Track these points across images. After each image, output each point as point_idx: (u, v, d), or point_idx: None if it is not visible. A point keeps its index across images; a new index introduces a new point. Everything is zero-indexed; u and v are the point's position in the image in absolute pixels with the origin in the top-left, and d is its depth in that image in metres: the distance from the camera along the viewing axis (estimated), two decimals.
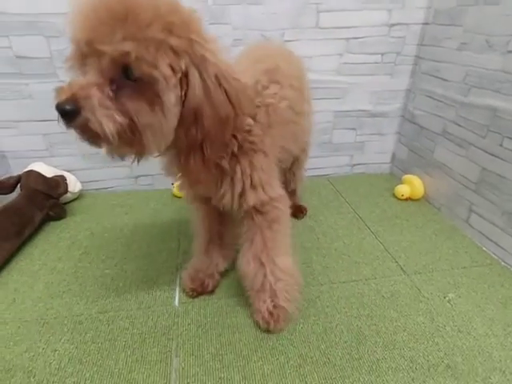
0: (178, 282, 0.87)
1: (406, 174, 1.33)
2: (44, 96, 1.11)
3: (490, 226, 0.98)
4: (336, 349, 0.70)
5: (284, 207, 0.73)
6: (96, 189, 1.30)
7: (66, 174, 1.19)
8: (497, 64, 0.91)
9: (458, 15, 1.04)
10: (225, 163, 0.63)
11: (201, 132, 0.52)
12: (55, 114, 1.28)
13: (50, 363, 0.66)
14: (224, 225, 0.82)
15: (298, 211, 1.14)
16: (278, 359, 0.68)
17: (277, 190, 0.72)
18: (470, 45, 1.00)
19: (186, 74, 0.48)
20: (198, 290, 0.81)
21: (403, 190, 1.25)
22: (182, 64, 0.47)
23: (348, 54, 1.21)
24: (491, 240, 0.98)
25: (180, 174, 0.64)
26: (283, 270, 0.73)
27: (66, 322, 0.76)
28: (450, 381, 0.64)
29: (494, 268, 0.93)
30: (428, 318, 0.78)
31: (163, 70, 0.45)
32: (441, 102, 1.14)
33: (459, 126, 1.06)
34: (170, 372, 0.65)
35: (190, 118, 0.50)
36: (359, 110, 1.33)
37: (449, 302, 0.82)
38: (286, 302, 0.72)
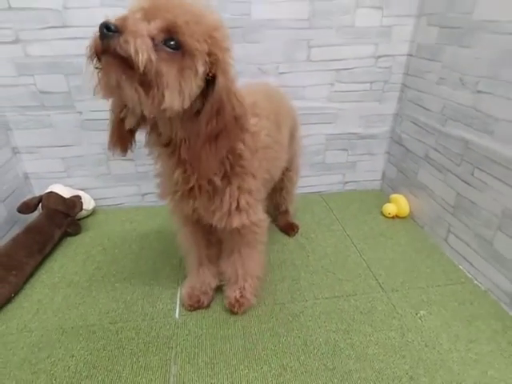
0: (178, 296, 0.98)
1: (395, 191, 1.42)
2: (63, 125, 1.24)
3: (465, 246, 1.07)
4: (313, 360, 0.80)
5: (261, 231, 0.86)
6: (108, 205, 1.42)
7: (81, 193, 1.32)
8: (468, 101, 1.00)
9: (438, 52, 1.12)
10: (217, 180, 0.71)
11: (220, 124, 0.61)
12: (73, 140, 1.43)
13: (69, 367, 0.78)
14: (210, 248, 0.94)
15: (290, 229, 1.25)
16: (262, 368, 0.78)
17: (259, 214, 0.83)
18: (447, 80, 1.09)
19: (213, 74, 0.58)
20: (195, 306, 0.93)
21: (390, 208, 1.34)
22: (214, 60, 0.57)
23: (338, 83, 1.31)
24: (466, 259, 1.07)
25: (180, 179, 0.71)
26: (252, 276, 0.92)
27: (81, 331, 0.88)
28: None
29: (467, 286, 1.02)
30: (399, 333, 0.87)
31: (202, 49, 0.55)
32: (423, 128, 1.23)
33: (438, 152, 1.15)
34: (169, 378, 0.76)
35: (213, 109, 0.59)
36: (350, 133, 1.42)
37: (420, 318, 0.91)
38: (250, 295, 0.92)
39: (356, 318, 0.91)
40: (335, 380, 0.76)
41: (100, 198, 1.40)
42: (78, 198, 1.27)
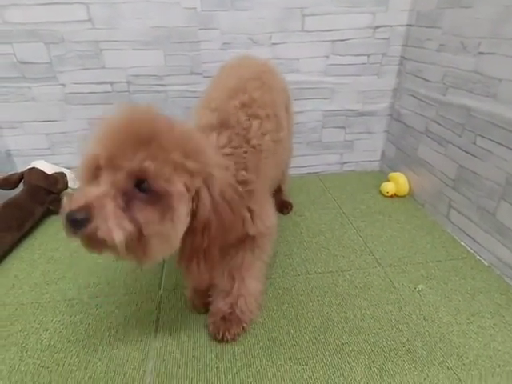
0: (163, 271, 0.93)
1: (394, 171, 1.36)
2: (46, 98, 1.19)
3: (467, 221, 1.01)
4: (304, 333, 0.75)
5: (271, 236, 0.76)
6: None
7: (67, 171, 1.26)
8: (470, 65, 0.95)
9: (438, 18, 1.07)
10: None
11: (207, 239, 0.56)
12: (56, 116, 1.36)
13: (42, 341, 0.73)
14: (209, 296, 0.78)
15: (283, 207, 1.20)
16: (248, 341, 0.73)
17: (272, 218, 0.74)
18: (448, 46, 1.03)
19: (197, 191, 0.53)
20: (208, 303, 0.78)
21: (388, 187, 1.29)
22: (196, 183, 0.52)
23: (334, 55, 1.26)
24: (468, 235, 1.01)
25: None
26: (249, 291, 0.75)
27: (58, 305, 0.83)
28: (408, 364, 0.68)
29: (468, 261, 0.96)
30: (396, 307, 0.82)
31: (178, 186, 0.50)
32: (423, 101, 1.17)
33: (439, 124, 1.10)
34: (149, 351, 0.71)
35: (199, 228, 0.55)
36: (347, 110, 1.37)
37: (418, 292, 0.86)
38: (243, 316, 0.74)
39: (351, 293, 0.86)
40: (327, 353, 0.70)
41: None
42: (62, 175, 1.22)
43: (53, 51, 1.12)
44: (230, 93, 0.71)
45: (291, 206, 1.21)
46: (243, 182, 0.65)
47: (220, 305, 0.74)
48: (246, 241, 0.72)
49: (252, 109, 0.70)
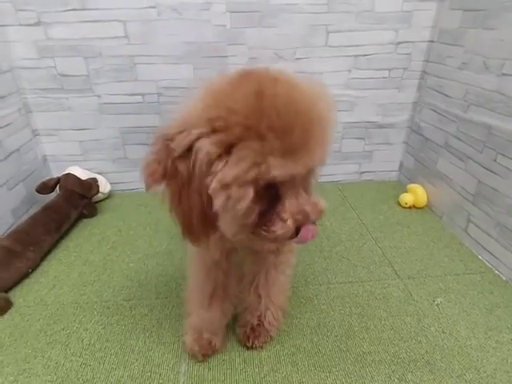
0: None
1: (412, 182, 1.39)
2: (81, 108, 1.26)
3: (486, 236, 1.04)
4: (327, 341, 0.79)
5: (295, 251, 0.77)
6: (123, 190, 1.44)
7: (98, 176, 1.33)
8: (492, 85, 0.97)
9: (460, 36, 1.09)
10: None
11: None
12: (90, 124, 1.42)
13: (83, 340, 0.79)
14: (229, 275, 0.73)
15: None
16: (274, 347, 0.77)
17: None
18: (470, 65, 1.06)
19: None
20: (209, 353, 0.75)
21: (407, 198, 1.31)
22: None
23: (356, 70, 1.29)
24: (486, 249, 1.04)
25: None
26: (275, 304, 0.77)
27: (95, 306, 0.89)
28: (427, 375, 0.72)
29: (487, 276, 0.99)
30: (415, 319, 0.85)
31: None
32: (444, 116, 1.19)
33: (459, 140, 1.12)
34: (182, 352, 0.76)
35: None
36: (367, 122, 1.40)
37: (437, 305, 0.89)
38: (270, 326, 0.77)
39: (371, 304, 0.90)
40: (349, 361, 0.74)
41: (116, 183, 1.41)
42: (95, 180, 1.28)
43: (91, 65, 1.19)
44: None
45: None
46: None
47: (248, 317, 0.77)
48: (266, 257, 0.70)
49: None
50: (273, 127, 0.39)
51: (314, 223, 0.48)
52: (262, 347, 0.77)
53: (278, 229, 0.47)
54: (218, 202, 0.44)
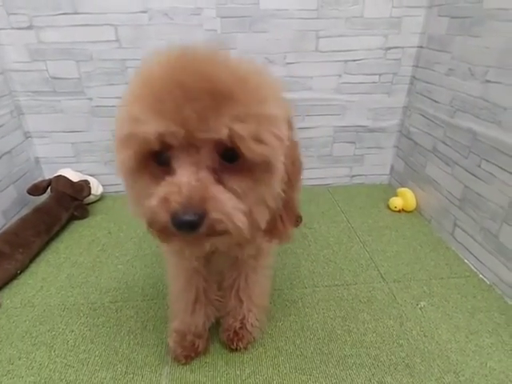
0: None
1: (403, 186, 1.40)
2: (73, 110, 1.27)
3: (471, 240, 1.05)
4: (309, 344, 0.80)
5: (275, 253, 0.78)
6: (115, 191, 1.45)
7: (90, 178, 1.34)
8: (477, 91, 0.98)
9: (448, 42, 1.11)
10: None
11: (292, 191, 0.51)
12: (82, 126, 1.43)
13: (68, 341, 0.80)
14: (207, 280, 0.74)
15: None
16: (256, 350, 0.78)
17: None
18: (456, 71, 1.07)
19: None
20: (191, 355, 0.75)
21: (396, 202, 1.32)
22: (290, 133, 0.46)
23: (346, 74, 1.30)
24: (472, 253, 1.05)
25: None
26: (257, 306, 0.77)
27: (82, 308, 0.89)
28: (406, 378, 0.73)
29: (471, 280, 1.00)
30: (398, 322, 0.86)
31: (275, 146, 0.41)
32: (432, 121, 1.21)
33: (446, 145, 1.13)
34: (165, 354, 0.77)
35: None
36: (358, 126, 1.41)
37: (420, 309, 0.90)
38: (252, 328, 0.77)
39: (355, 307, 0.91)
40: (330, 364, 0.75)
41: (108, 185, 1.42)
42: (87, 182, 1.29)
43: (82, 68, 1.20)
44: None
45: (301, 219, 1.26)
46: None
47: (231, 321, 0.78)
48: (246, 261, 0.69)
49: None
50: (154, 93, 0.38)
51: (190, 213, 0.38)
52: (246, 348, 0.78)
53: (145, 208, 0.41)
54: (119, 173, 0.44)
